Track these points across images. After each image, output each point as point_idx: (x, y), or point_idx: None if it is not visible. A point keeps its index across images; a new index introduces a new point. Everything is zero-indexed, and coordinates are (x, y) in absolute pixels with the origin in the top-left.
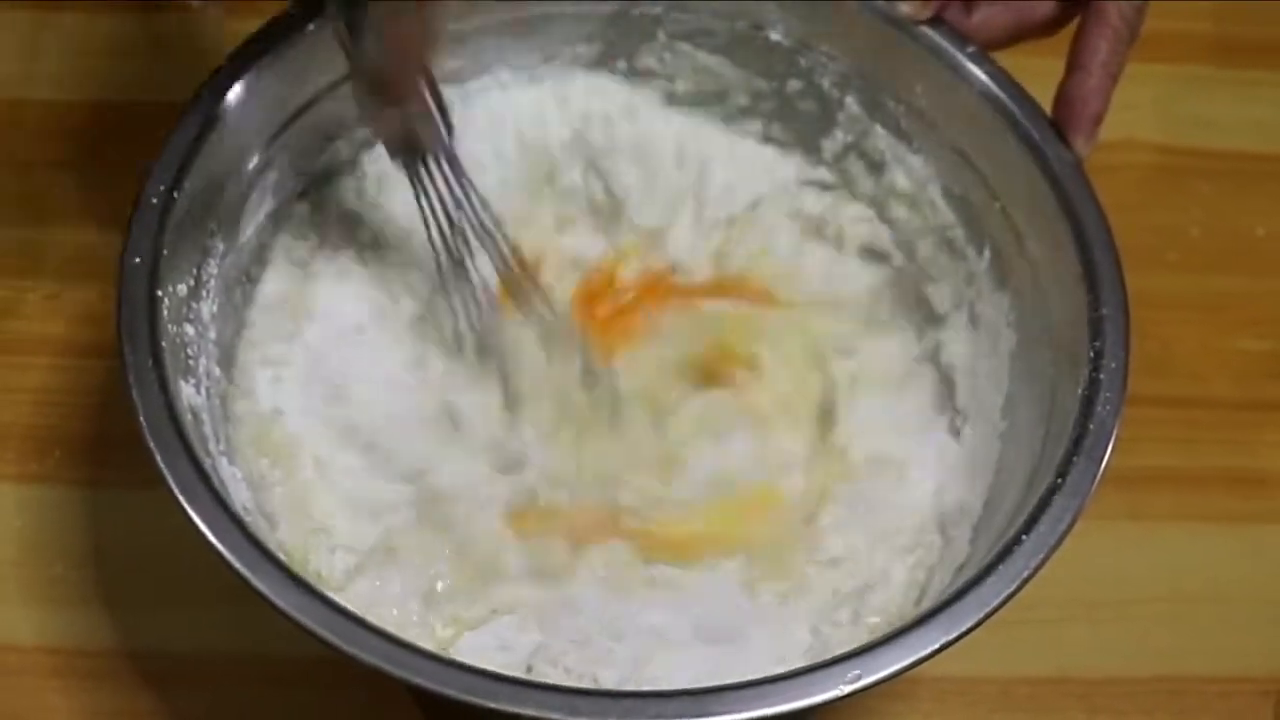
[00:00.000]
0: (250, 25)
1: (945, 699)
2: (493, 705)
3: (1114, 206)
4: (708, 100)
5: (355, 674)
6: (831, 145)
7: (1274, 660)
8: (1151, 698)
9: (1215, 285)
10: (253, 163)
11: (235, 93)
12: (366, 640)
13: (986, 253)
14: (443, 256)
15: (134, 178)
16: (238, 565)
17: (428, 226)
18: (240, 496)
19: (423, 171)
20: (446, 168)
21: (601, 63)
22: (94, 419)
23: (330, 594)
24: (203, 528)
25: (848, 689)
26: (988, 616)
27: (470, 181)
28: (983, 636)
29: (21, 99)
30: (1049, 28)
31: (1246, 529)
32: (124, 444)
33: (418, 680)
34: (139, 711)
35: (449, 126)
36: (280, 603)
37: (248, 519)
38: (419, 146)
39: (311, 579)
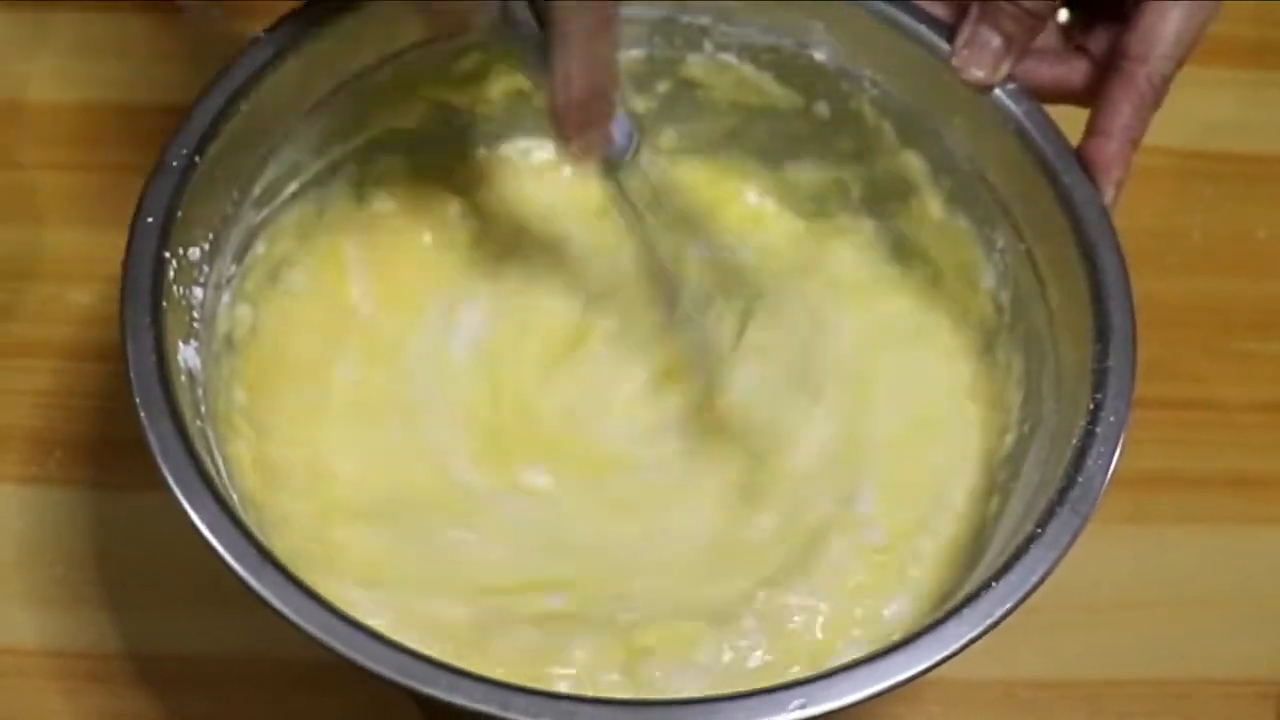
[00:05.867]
0: (251, 26)
1: (948, 701)
2: (499, 713)
3: (1115, 209)
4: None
5: (357, 676)
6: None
7: (1276, 662)
8: (1154, 700)
9: (1217, 288)
10: (282, 134)
11: (271, 62)
12: (367, 645)
13: (1007, 293)
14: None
15: (135, 178)
16: (200, 525)
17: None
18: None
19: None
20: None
21: (645, 74)
22: (95, 421)
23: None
24: (182, 502)
25: (787, 718)
26: (945, 660)
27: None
28: (984, 639)
29: (20, 99)
30: (1085, 95)
31: (1248, 531)
32: (126, 446)
33: (419, 687)
34: (141, 714)
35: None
36: (241, 572)
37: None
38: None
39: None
